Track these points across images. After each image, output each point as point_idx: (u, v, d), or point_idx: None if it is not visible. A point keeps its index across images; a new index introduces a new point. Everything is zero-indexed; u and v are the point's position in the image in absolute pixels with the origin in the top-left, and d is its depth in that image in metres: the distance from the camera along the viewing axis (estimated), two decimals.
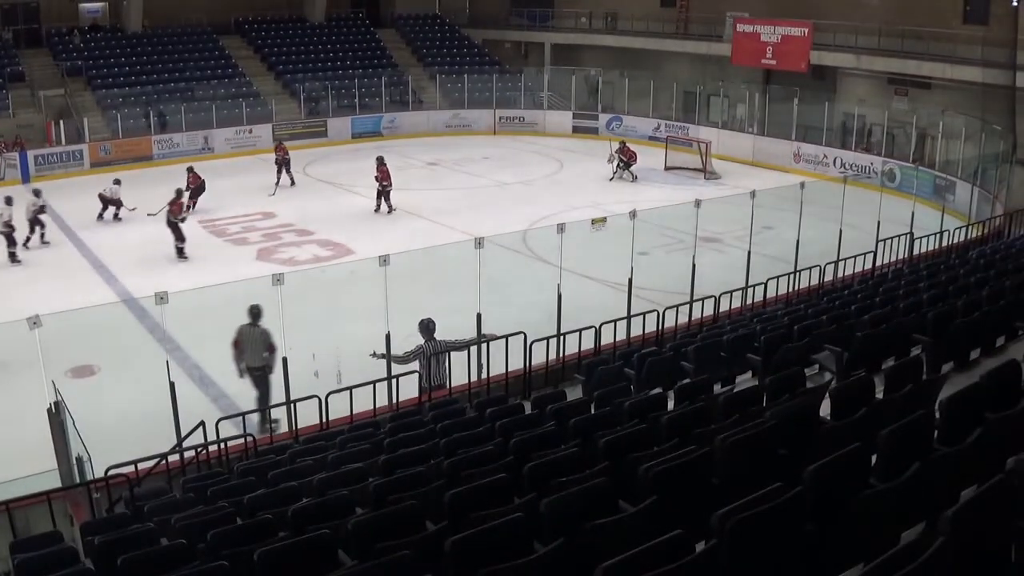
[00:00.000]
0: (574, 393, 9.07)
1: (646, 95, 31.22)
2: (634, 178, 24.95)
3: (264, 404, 10.39)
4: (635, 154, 25.30)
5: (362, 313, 11.54)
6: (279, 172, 24.27)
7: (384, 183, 21.10)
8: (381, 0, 38.77)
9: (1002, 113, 22.34)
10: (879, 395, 6.05)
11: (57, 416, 8.12)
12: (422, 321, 10.27)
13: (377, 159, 21.60)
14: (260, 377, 10.56)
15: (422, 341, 10.21)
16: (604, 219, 11.70)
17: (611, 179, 24.94)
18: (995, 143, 21.46)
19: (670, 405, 7.19)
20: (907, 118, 24.75)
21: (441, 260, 15.15)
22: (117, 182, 21.41)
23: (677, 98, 30.59)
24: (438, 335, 10.26)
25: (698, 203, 12.85)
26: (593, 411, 7.24)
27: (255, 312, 10.51)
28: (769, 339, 8.53)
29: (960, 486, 4.24)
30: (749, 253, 13.62)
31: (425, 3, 39.14)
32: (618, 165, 25.07)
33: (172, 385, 9.19)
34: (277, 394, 10.17)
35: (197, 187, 21.60)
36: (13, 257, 18.00)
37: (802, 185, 14.06)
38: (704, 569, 3.58)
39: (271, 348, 10.42)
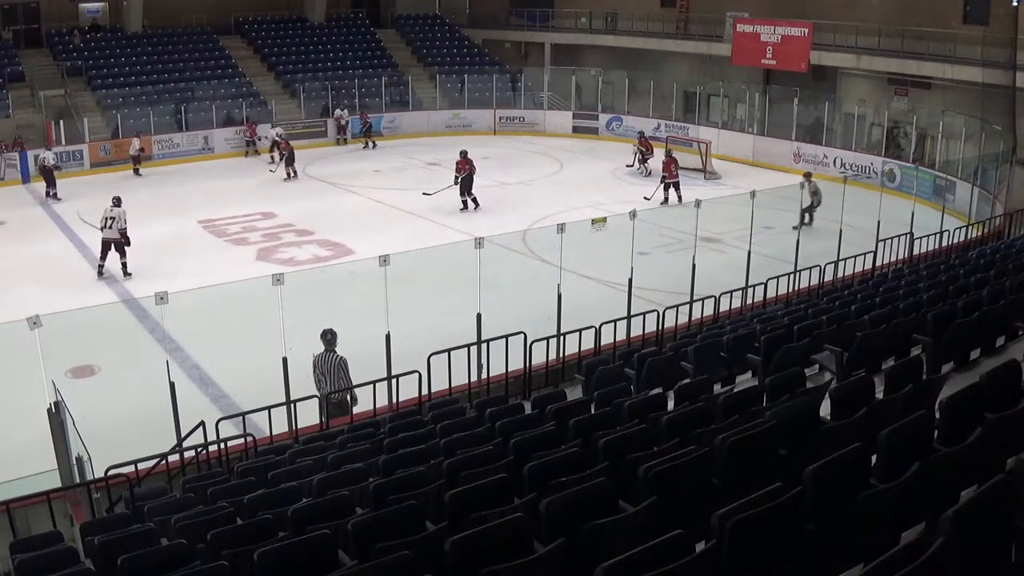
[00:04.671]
0: (574, 393, 9.08)
1: (646, 95, 31.21)
2: (648, 173, 25.29)
3: None
4: (652, 148, 25.86)
5: (362, 313, 11.54)
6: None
7: (664, 174, 22.35)
8: (381, 0, 38.77)
9: (1002, 113, 22.33)
10: (879, 395, 6.05)
11: (57, 416, 8.11)
12: (323, 332, 9.76)
13: (666, 151, 23.27)
14: None
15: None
16: (604, 219, 11.70)
17: (629, 165, 26.22)
18: (995, 143, 21.44)
19: (670, 405, 7.18)
20: (907, 118, 24.77)
21: (441, 260, 15.16)
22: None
23: (677, 98, 30.57)
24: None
25: (698, 203, 12.85)
26: (593, 411, 7.24)
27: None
28: (769, 339, 8.53)
29: (960, 486, 4.24)
30: (749, 253, 13.61)
31: (425, 3, 39.14)
32: (636, 158, 25.86)
33: (172, 385, 9.18)
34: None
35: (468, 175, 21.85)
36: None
37: (802, 185, 14.06)
38: (704, 569, 3.58)
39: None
